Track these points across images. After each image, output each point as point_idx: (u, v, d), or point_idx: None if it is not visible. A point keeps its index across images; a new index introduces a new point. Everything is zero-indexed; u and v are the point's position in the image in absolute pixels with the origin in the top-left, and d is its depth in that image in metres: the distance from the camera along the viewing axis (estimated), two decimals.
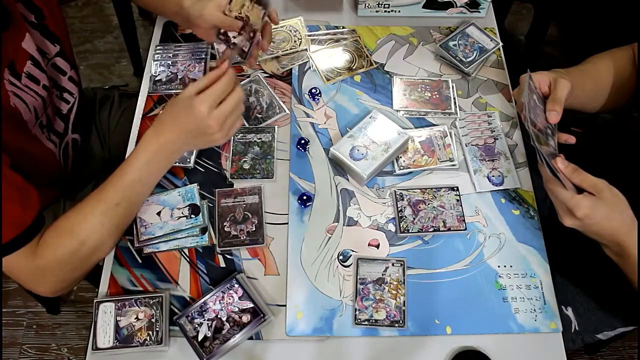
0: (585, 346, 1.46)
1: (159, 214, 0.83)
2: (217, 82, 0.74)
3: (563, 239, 0.80)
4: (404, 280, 0.78)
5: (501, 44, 1.02)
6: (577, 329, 0.89)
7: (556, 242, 0.84)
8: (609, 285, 0.85)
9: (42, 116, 0.84)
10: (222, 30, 0.85)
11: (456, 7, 1.06)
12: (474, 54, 1.00)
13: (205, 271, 0.81)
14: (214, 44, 1.02)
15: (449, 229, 0.83)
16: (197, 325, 0.74)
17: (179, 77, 0.99)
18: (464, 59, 0.99)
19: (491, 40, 1.02)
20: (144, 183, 0.78)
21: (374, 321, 0.76)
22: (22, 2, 0.78)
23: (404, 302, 0.77)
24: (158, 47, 1.03)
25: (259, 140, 0.91)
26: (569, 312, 0.89)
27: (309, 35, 1.04)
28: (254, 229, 0.83)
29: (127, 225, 0.80)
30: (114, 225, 0.76)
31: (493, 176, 0.88)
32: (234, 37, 0.84)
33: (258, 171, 0.88)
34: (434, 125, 0.94)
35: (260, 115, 0.95)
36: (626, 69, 0.85)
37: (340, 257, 0.81)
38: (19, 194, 0.69)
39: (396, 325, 0.76)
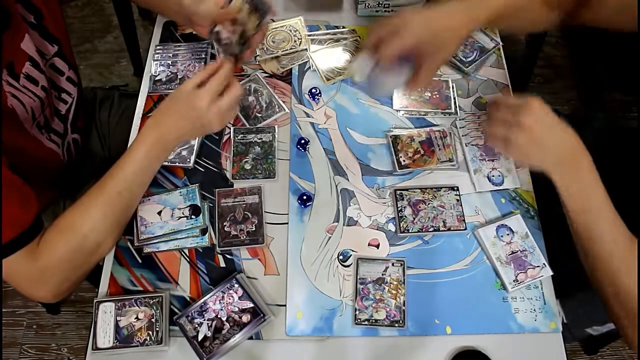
0: (584, 345, 1.47)
1: (159, 213, 0.83)
2: (215, 76, 0.77)
3: (563, 239, 0.80)
4: (403, 280, 0.78)
5: (501, 43, 1.02)
6: (565, 322, 0.88)
7: (556, 242, 0.84)
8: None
9: (40, 117, 0.83)
10: (215, 29, 0.84)
11: None
12: (474, 54, 1.00)
13: (205, 271, 0.81)
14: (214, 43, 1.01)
15: (449, 229, 0.83)
16: (197, 325, 0.74)
17: (179, 76, 0.99)
18: (464, 59, 0.99)
19: (491, 40, 1.02)
20: (144, 173, 0.78)
21: (373, 321, 0.76)
22: (21, 2, 0.78)
23: (404, 302, 0.77)
24: (158, 47, 1.03)
25: (259, 141, 0.91)
26: (557, 305, 0.89)
27: (309, 35, 1.04)
28: (254, 228, 0.83)
29: (127, 221, 0.80)
30: (114, 219, 0.76)
31: (493, 176, 0.88)
32: (226, 38, 0.84)
33: (260, 171, 0.88)
34: (434, 125, 0.94)
35: (260, 115, 0.95)
36: None
37: (340, 257, 0.81)
38: (18, 194, 0.69)
39: (396, 325, 0.76)
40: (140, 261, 0.81)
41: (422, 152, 0.90)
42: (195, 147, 0.90)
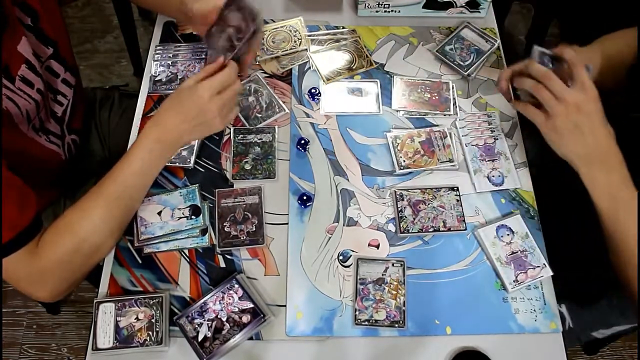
0: (584, 346, 1.47)
1: (159, 213, 0.83)
2: (219, 73, 0.77)
3: (563, 237, 0.81)
4: (404, 280, 0.78)
5: (498, 42, 1.02)
6: (571, 326, 0.89)
7: (556, 241, 0.84)
8: (606, 284, 0.85)
9: (35, 119, 0.83)
10: (211, 32, 0.84)
11: (456, 7, 1.06)
12: (471, 57, 1.00)
13: (205, 271, 0.81)
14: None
15: (449, 229, 0.83)
16: (197, 326, 0.74)
17: (179, 77, 0.99)
18: (462, 63, 0.99)
19: (487, 42, 1.02)
20: (145, 175, 0.78)
21: (374, 321, 0.76)
22: (18, 5, 0.77)
23: (404, 302, 0.77)
24: (158, 47, 1.03)
25: (259, 141, 0.91)
26: (563, 309, 0.89)
27: (309, 35, 1.04)
28: (254, 229, 0.83)
29: (127, 223, 0.80)
30: (115, 222, 0.76)
31: (493, 176, 0.88)
32: (217, 41, 0.83)
33: (260, 171, 0.88)
34: (434, 125, 0.94)
35: (260, 115, 0.95)
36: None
37: (340, 257, 0.81)
38: (17, 195, 0.69)
39: (396, 325, 0.76)
40: (140, 261, 0.81)
41: (422, 152, 0.90)
42: (195, 148, 0.90)
